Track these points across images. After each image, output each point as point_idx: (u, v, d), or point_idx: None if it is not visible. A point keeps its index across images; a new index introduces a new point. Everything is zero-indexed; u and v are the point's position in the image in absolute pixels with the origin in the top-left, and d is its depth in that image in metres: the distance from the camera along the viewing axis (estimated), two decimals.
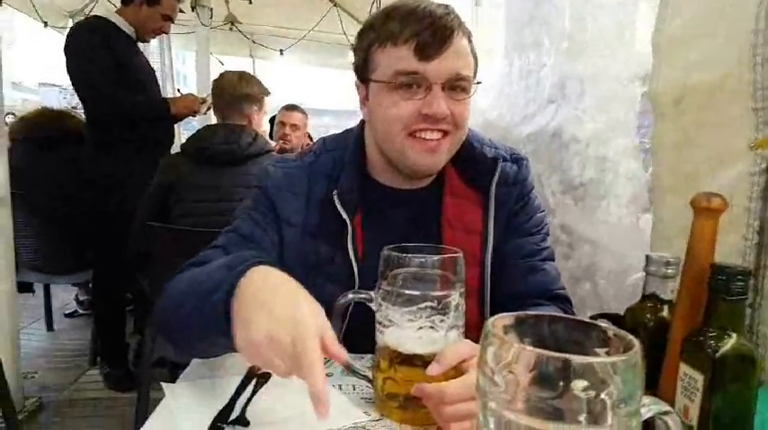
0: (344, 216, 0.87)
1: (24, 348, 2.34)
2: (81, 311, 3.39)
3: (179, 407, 0.70)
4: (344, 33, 4.45)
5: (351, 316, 0.78)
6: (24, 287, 2.65)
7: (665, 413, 0.40)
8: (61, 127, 2.61)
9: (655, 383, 0.60)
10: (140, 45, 2.52)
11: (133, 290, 2.54)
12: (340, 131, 1.01)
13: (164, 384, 0.74)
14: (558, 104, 1.63)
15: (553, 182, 1.65)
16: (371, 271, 0.72)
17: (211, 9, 3.88)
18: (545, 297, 0.91)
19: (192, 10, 3.73)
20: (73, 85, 2.34)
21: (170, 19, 2.46)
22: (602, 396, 0.34)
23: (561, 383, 0.34)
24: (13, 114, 3.16)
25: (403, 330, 0.66)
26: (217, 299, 0.63)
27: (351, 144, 0.94)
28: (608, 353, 0.39)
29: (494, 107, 1.95)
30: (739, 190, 0.78)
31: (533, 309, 0.83)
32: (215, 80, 2.05)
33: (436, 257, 0.67)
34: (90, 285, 2.91)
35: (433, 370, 0.63)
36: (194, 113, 2.50)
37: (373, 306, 0.69)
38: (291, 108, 3.26)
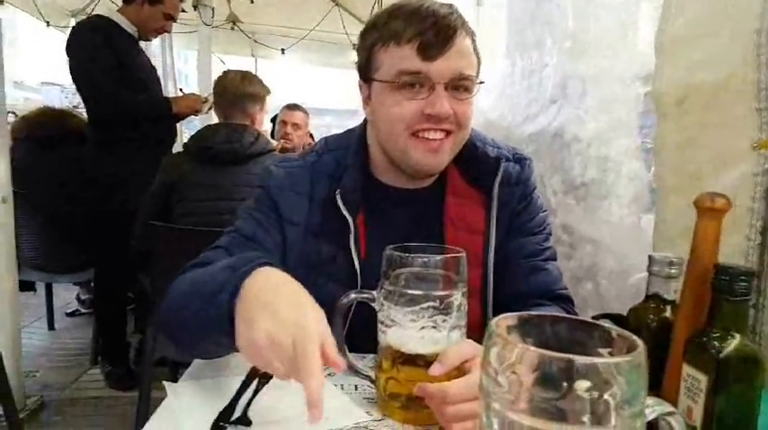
0: (347, 215, 0.87)
1: (26, 347, 2.35)
2: (82, 310, 3.40)
3: (181, 406, 0.70)
4: (346, 33, 4.46)
5: (353, 315, 0.78)
6: (26, 286, 2.66)
7: (669, 414, 0.40)
8: (63, 126, 2.61)
9: (657, 384, 0.60)
10: (142, 44, 2.52)
11: (134, 289, 2.54)
12: (342, 131, 1.01)
13: (166, 383, 0.74)
14: (560, 104, 1.63)
15: (555, 182, 1.65)
16: (373, 270, 0.72)
17: (213, 8, 3.88)
18: (547, 297, 0.91)
19: (194, 9, 3.73)
20: (75, 84, 2.34)
21: (172, 18, 2.46)
22: (606, 397, 0.34)
23: (565, 384, 0.34)
24: (14, 113, 3.16)
25: (405, 330, 0.66)
26: (221, 300, 0.63)
27: (353, 144, 0.94)
28: (611, 354, 0.39)
29: (495, 107, 1.95)
30: (743, 190, 0.78)
31: (536, 310, 0.83)
32: (217, 79, 2.05)
33: (439, 257, 0.67)
34: (91, 284, 2.92)
35: (435, 370, 0.63)
36: (196, 112, 2.50)
37: (375, 306, 0.69)
38: (293, 107, 3.26)
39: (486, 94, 1.90)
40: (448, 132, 0.84)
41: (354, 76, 0.92)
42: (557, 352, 0.34)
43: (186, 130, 4.06)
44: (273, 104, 2.21)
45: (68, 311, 3.42)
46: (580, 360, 0.34)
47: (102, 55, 2.22)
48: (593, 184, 1.52)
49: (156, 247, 1.75)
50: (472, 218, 0.91)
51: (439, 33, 0.79)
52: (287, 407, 0.68)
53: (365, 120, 0.95)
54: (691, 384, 0.55)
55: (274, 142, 2.66)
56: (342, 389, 0.76)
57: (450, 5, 0.84)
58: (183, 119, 2.62)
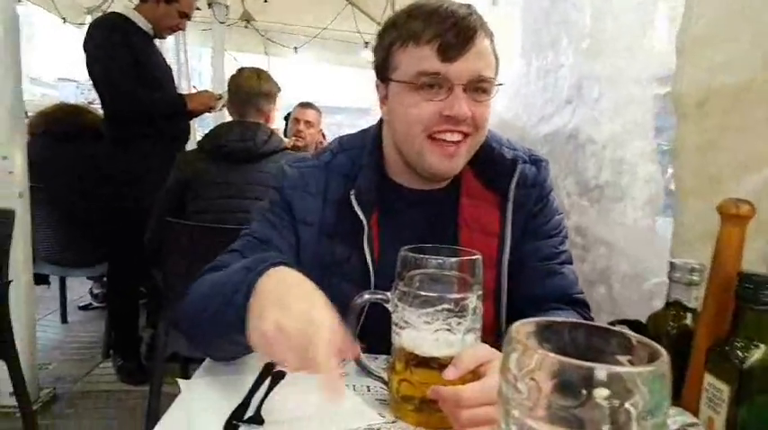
0: (361, 216, 0.87)
1: (39, 340, 2.38)
2: (95, 304, 3.44)
3: (194, 403, 0.70)
4: (359, 31, 4.46)
5: (366, 316, 0.78)
6: (40, 279, 2.69)
7: (692, 425, 0.39)
8: (79, 122, 2.64)
9: (677, 394, 0.59)
10: (156, 42, 2.54)
11: (147, 284, 2.56)
12: (355, 130, 1.01)
13: (179, 380, 0.74)
14: (576, 105, 1.61)
15: (569, 183, 1.63)
16: (387, 271, 0.71)
17: (227, 6, 3.91)
18: (563, 301, 0.90)
19: (209, 7, 3.76)
20: (92, 81, 2.36)
21: (187, 16, 2.48)
22: (627, 406, 0.33)
23: (584, 392, 0.33)
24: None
25: (419, 332, 0.65)
26: (237, 300, 0.63)
27: (368, 144, 0.93)
28: (631, 361, 0.38)
29: (510, 107, 1.93)
30: (765, 195, 0.76)
31: (552, 314, 0.82)
32: (231, 77, 2.05)
33: (454, 259, 0.66)
34: (105, 279, 2.95)
35: (449, 374, 0.62)
36: (210, 110, 2.52)
37: (390, 307, 0.69)
38: (306, 105, 3.27)
39: (500, 95, 1.88)
40: (465, 134, 0.83)
41: (367, 74, 0.92)
42: (575, 358, 0.34)
43: (200, 128, 4.09)
44: (286, 102, 2.22)
45: (81, 305, 3.47)
46: (601, 368, 0.33)
47: (120, 53, 2.24)
48: (608, 187, 1.50)
49: (170, 243, 1.77)
50: (487, 219, 0.91)
51: (459, 34, 0.79)
52: (300, 405, 0.68)
53: (380, 120, 0.95)
54: (712, 394, 0.54)
55: (286, 140, 2.67)
56: (354, 390, 0.76)
57: (470, 6, 0.83)
58: (198, 116, 2.63)
